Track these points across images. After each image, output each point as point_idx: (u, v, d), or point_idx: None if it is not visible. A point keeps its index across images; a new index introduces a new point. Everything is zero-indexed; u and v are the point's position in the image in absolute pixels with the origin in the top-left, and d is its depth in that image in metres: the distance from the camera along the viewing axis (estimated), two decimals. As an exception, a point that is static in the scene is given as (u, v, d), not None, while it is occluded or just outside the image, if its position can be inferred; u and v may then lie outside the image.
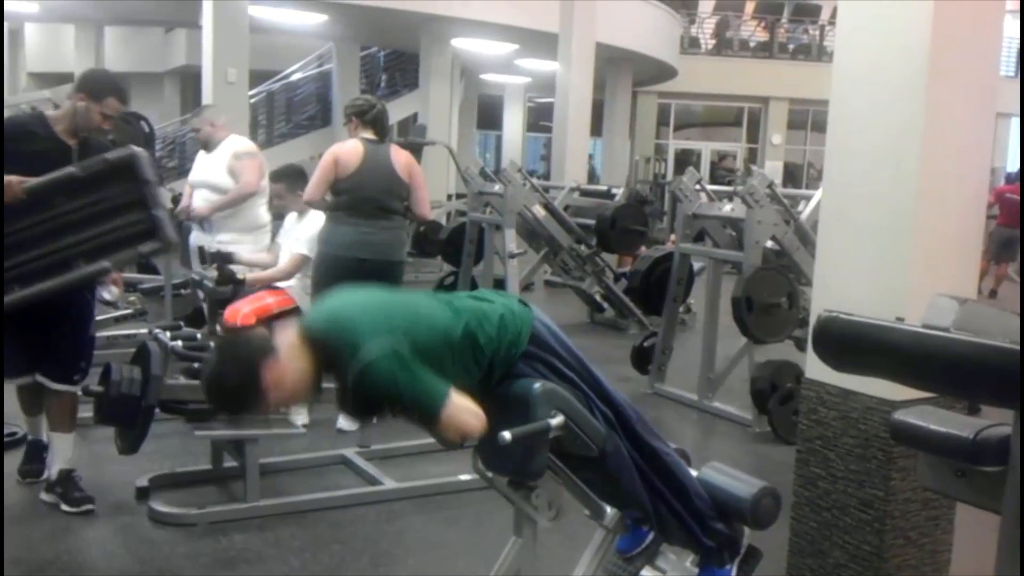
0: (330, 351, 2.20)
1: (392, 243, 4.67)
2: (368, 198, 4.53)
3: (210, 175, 5.61)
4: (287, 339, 2.25)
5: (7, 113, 7.92)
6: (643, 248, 8.07)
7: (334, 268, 4.54)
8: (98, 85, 3.72)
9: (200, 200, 5.63)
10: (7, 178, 3.41)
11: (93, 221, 3.63)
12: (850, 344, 1.96)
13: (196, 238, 5.74)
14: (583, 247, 8.05)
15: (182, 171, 15.96)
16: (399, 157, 4.68)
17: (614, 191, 8.92)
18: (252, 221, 5.51)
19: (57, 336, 3.69)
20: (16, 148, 3.50)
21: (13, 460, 4.22)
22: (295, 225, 5.28)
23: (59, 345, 3.70)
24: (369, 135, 4.64)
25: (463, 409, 2.20)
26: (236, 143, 5.66)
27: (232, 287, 5.10)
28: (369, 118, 4.67)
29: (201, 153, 5.81)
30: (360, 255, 4.51)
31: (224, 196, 5.46)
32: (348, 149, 4.57)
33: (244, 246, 5.37)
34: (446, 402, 2.17)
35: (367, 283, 4.44)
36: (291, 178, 5.33)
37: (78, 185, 3.62)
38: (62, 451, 3.77)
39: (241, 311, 4.92)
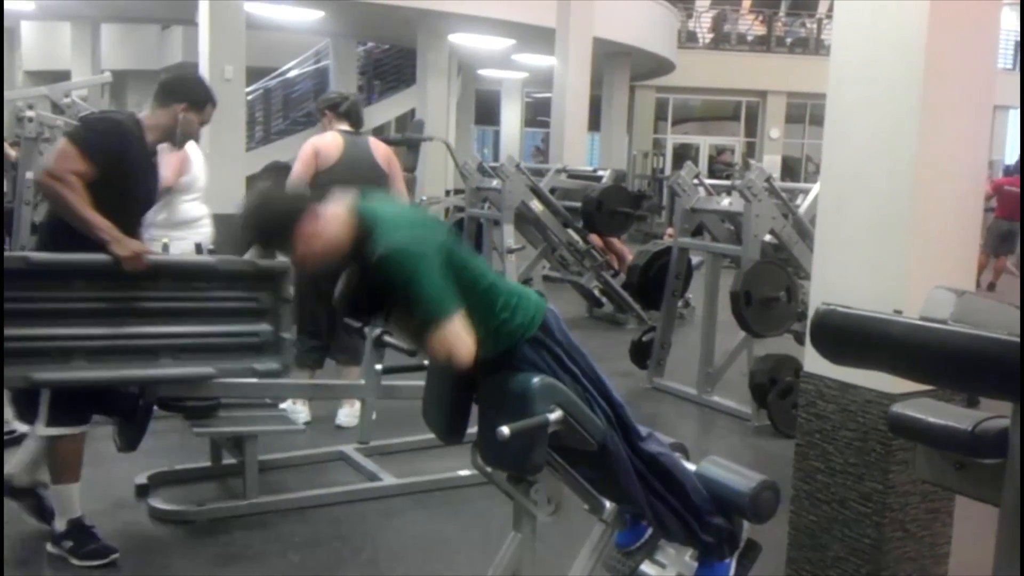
0: (368, 228, 2.29)
1: None
2: (351, 190, 4.52)
3: None
4: (335, 205, 2.38)
5: (6, 114, 7.90)
6: (626, 252, 8.05)
7: None
8: (199, 93, 3.54)
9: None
10: (133, 245, 3.20)
11: (201, 317, 3.40)
12: (848, 337, 1.96)
13: None
14: (571, 231, 8.02)
15: (180, 168, 15.93)
16: (378, 148, 4.69)
17: (600, 173, 8.89)
18: (179, 217, 5.20)
19: None
20: (123, 162, 3.27)
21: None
22: None
23: None
24: (345, 127, 4.63)
25: (462, 331, 2.25)
26: None
27: None
28: (343, 110, 4.67)
29: None
30: None
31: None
32: (328, 141, 4.56)
33: (172, 242, 5.09)
34: (451, 315, 2.23)
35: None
36: (276, 175, 5.31)
37: (205, 276, 3.44)
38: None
39: None
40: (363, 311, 2.48)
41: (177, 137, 3.50)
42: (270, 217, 2.37)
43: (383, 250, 2.22)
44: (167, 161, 5.15)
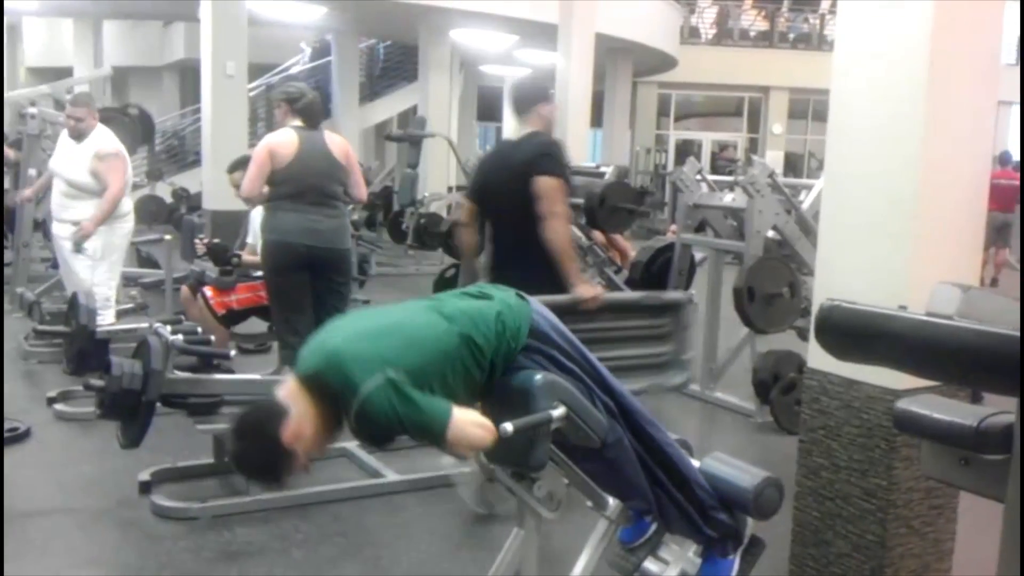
0: (329, 391, 2.16)
1: (338, 231, 4.63)
2: (310, 185, 4.49)
3: (72, 171, 5.48)
4: (290, 393, 2.20)
5: (8, 111, 7.92)
6: (628, 248, 8.06)
7: (283, 255, 4.52)
8: (542, 88, 4.18)
9: (57, 192, 5.57)
10: (595, 289, 3.93)
11: (627, 342, 4.12)
12: (852, 333, 1.94)
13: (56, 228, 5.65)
14: (574, 228, 8.00)
15: (182, 165, 15.97)
16: (334, 142, 4.66)
17: (603, 169, 8.88)
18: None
19: None
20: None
21: (15, 455, 4.23)
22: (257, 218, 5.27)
23: None
24: (298, 123, 4.59)
25: (468, 424, 2.18)
26: (99, 140, 5.47)
27: (234, 279, 5.12)
28: (299, 107, 4.62)
29: (64, 138, 5.63)
30: (307, 241, 4.48)
31: (99, 211, 5.38)
32: (282, 139, 4.50)
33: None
34: (450, 422, 2.15)
35: (315, 270, 4.53)
36: (245, 167, 5.33)
37: (632, 308, 4.24)
38: None
39: (230, 296, 5.00)
40: (376, 444, 2.44)
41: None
42: (260, 465, 2.23)
43: (354, 408, 2.09)
44: (113, 168, 5.36)
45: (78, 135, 5.49)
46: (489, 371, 2.29)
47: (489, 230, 4.28)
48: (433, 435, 2.16)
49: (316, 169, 4.52)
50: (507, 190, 3.98)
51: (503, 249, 4.13)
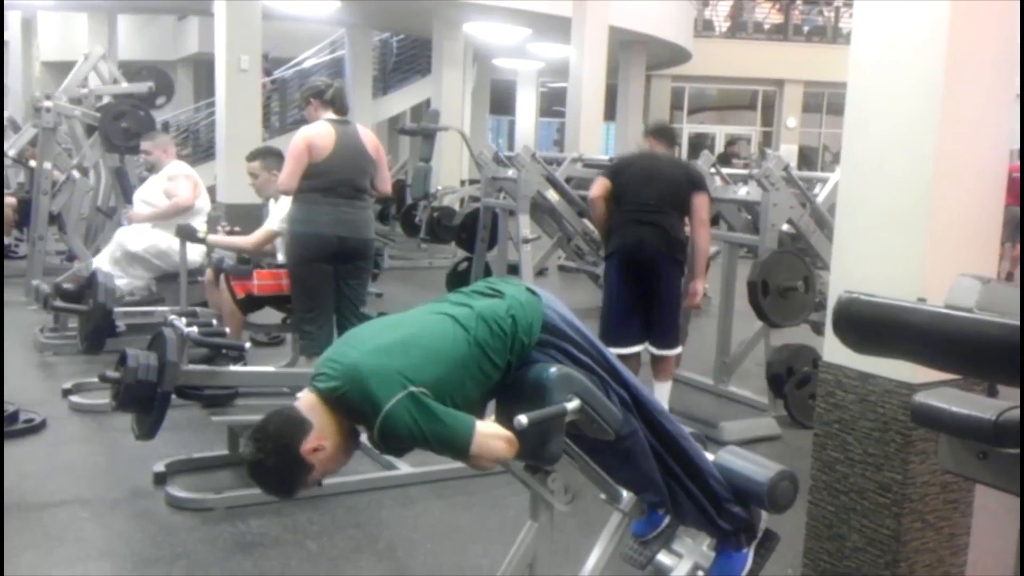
0: (350, 407, 2.16)
1: (367, 221, 4.77)
2: (345, 179, 4.58)
3: (150, 195, 6.13)
4: (309, 406, 2.20)
5: (23, 105, 7.93)
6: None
7: (315, 246, 4.58)
8: None
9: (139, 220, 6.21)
10: (703, 287, 4.99)
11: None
12: (871, 325, 1.93)
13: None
14: (587, 221, 7.99)
15: (195, 158, 16.02)
16: (367, 136, 4.74)
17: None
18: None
19: (660, 314, 4.66)
20: None
21: (30, 446, 4.25)
22: (274, 207, 5.31)
23: (663, 321, 4.70)
24: (331, 115, 4.65)
25: (491, 437, 2.18)
26: (173, 168, 6.19)
27: (251, 267, 5.15)
28: (328, 97, 4.69)
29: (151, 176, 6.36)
30: (341, 233, 4.58)
31: (160, 207, 6.02)
32: (321, 133, 4.56)
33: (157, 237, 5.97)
34: (472, 437, 2.15)
35: (342, 261, 4.59)
36: (266, 157, 5.38)
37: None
38: (665, 395, 4.76)
39: (252, 281, 5.03)
40: (399, 454, 2.49)
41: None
42: (278, 476, 2.24)
43: (376, 424, 2.10)
44: (182, 183, 6.08)
45: (152, 168, 6.28)
46: (505, 370, 2.29)
47: (615, 205, 4.89)
48: (456, 449, 2.16)
49: (351, 164, 4.61)
50: (656, 188, 4.68)
51: (626, 223, 4.77)
